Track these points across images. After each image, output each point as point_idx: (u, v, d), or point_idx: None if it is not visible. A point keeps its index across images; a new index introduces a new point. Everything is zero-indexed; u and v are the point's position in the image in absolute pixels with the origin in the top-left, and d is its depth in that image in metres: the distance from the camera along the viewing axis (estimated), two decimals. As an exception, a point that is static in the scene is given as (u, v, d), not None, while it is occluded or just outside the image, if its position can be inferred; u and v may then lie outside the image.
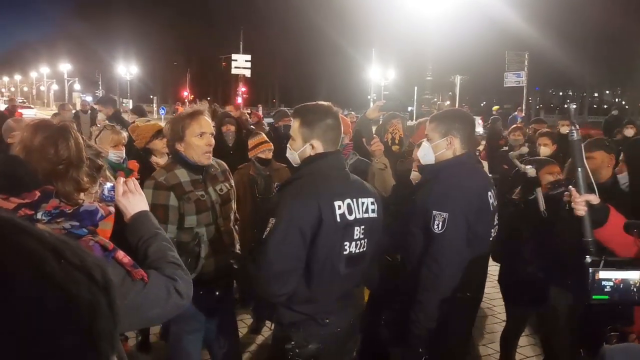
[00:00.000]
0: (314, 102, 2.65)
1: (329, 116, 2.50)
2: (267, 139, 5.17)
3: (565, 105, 25.62)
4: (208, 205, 3.14)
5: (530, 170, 3.71)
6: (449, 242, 2.66)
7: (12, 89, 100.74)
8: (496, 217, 2.94)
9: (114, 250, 1.61)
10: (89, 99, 53.64)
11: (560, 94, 72.01)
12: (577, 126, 2.30)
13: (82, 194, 1.69)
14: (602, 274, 1.97)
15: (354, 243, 2.43)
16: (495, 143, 8.90)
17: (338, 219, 2.34)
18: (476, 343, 4.79)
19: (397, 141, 4.96)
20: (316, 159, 2.46)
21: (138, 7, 59.09)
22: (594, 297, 1.98)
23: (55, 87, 72.01)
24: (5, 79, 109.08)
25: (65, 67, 62.20)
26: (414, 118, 14.05)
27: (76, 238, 1.57)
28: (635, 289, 1.97)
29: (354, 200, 2.45)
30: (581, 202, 2.24)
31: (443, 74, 37.80)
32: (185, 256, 2.95)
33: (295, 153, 2.52)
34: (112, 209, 1.79)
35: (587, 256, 2.09)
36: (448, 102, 49.16)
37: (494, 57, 37.37)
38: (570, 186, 2.34)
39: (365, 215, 2.48)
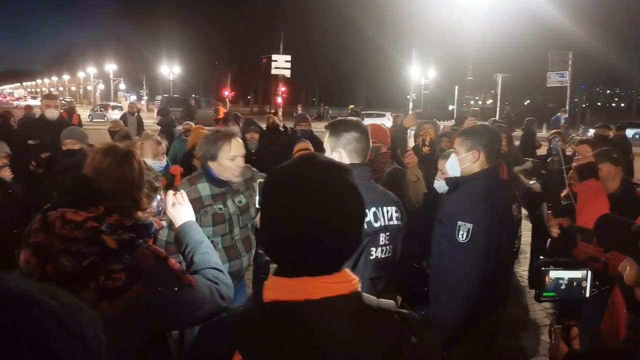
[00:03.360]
0: (346, 117, 2.87)
1: (355, 129, 2.67)
2: (309, 146, 5.32)
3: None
4: (225, 217, 3.40)
5: (534, 185, 3.77)
6: (473, 252, 2.78)
7: (61, 89, 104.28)
8: (520, 229, 3.05)
9: (166, 258, 1.83)
10: (133, 97, 55.11)
11: (608, 92, 69.99)
12: (561, 154, 2.48)
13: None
14: (552, 274, 2.15)
15: (379, 249, 2.62)
16: (530, 146, 8.82)
17: (365, 226, 2.52)
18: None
19: (427, 143, 5.16)
20: None
21: (181, 8, 60.26)
22: (544, 294, 2.17)
23: (101, 86, 74.17)
24: (54, 78, 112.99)
25: (111, 67, 63.99)
26: (454, 117, 14.04)
27: (133, 247, 1.80)
28: (580, 287, 2.15)
29: (379, 208, 2.64)
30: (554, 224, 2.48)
31: (485, 72, 37.29)
32: None
33: None
34: (164, 223, 2.02)
35: (541, 257, 2.27)
36: (490, 101, 48.44)
37: (537, 55, 36.72)
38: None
39: (390, 223, 2.66)
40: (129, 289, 1.71)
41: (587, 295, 2.12)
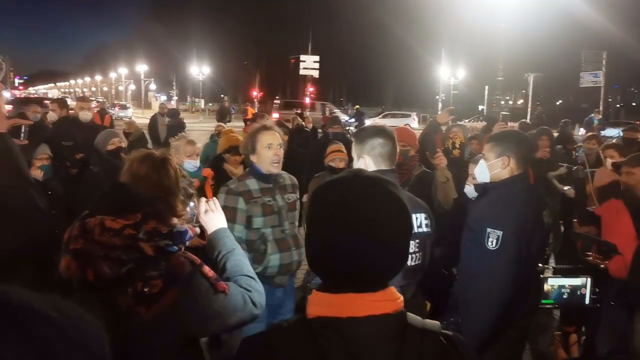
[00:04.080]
0: (372, 124, 2.93)
1: (379, 135, 2.68)
2: (342, 148, 5.32)
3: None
4: (274, 209, 3.55)
5: (569, 191, 3.72)
6: (502, 259, 2.76)
7: (93, 89, 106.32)
8: (550, 236, 3.01)
9: (200, 265, 1.87)
10: (163, 98, 55.79)
11: (643, 92, 68.28)
12: (586, 162, 2.44)
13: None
14: (551, 281, 2.12)
15: (409, 256, 2.60)
16: (565, 150, 8.66)
17: None
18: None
19: (457, 145, 5.13)
20: None
21: (211, 9, 60.86)
22: (542, 301, 2.14)
23: (132, 87, 75.35)
24: (87, 79, 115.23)
25: (142, 67, 64.85)
26: (484, 118, 13.89)
27: (169, 254, 1.84)
28: (580, 293, 2.11)
29: None
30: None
31: (515, 72, 36.74)
32: (253, 253, 3.41)
33: (355, 167, 2.75)
34: (198, 230, 2.06)
35: (539, 265, 2.24)
36: (521, 101, 47.71)
37: (570, 54, 36.02)
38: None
39: (420, 230, 2.65)
40: (165, 295, 1.75)
41: (587, 302, 2.09)
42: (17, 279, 1.40)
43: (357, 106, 26.18)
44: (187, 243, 2.03)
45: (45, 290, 1.74)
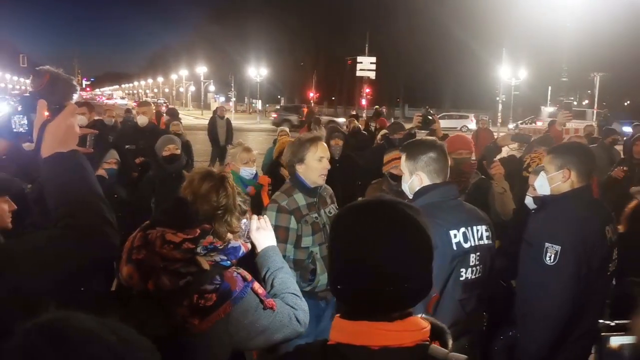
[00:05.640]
0: (420, 138, 2.89)
1: (431, 150, 2.66)
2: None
3: None
4: (320, 226, 3.51)
5: None
6: (561, 275, 2.68)
7: (155, 90, 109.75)
8: (615, 252, 2.89)
9: (252, 282, 1.94)
10: (221, 99, 56.92)
11: None
12: None
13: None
14: (614, 341, 1.82)
15: (470, 269, 2.57)
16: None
17: (454, 247, 2.49)
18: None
19: (530, 169, 4.84)
20: (428, 190, 2.63)
21: (269, 11, 61.64)
22: None
23: (192, 88, 77.29)
24: (150, 80, 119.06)
25: (201, 69, 66.44)
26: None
27: (223, 269, 1.92)
28: None
29: (469, 228, 2.59)
30: None
31: (580, 72, 35.36)
32: (301, 271, 3.37)
33: (406, 185, 2.73)
34: (249, 246, 2.12)
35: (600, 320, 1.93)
36: (586, 102, 45.91)
37: (638, 53, 34.41)
38: None
39: (480, 242, 2.61)
40: (218, 308, 1.81)
41: None
42: (87, 289, 1.49)
43: (377, 106, 24.48)
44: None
45: (109, 299, 1.84)
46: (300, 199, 3.50)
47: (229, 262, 1.95)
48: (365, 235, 1.16)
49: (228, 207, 2.00)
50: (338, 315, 1.20)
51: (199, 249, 1.87)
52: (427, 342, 1.15)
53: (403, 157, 2.74)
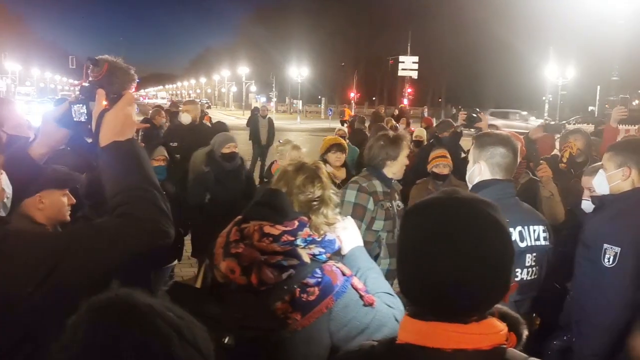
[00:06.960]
0: (497, 132, 2.83)
1: (502, 144, 2.60)
2: (446, 154, 5.18)
3: None
4: (391, 214, 3.66)
5: None
6: (620, 278, 2.56)
7: (198, 91, 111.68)
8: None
9: (351, 276, 1.86)
10: (263, 99, 57.48)
11: None
12: None
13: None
14: None
15: (525, 270, 2.51)
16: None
17: None
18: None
19: (564, 160, 4.67)
20: (488, 184, 2.57)
21: (310, 12, 61.88)
22: None
23: (234, 89, 78.20)
24: (192, 81, 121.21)
25: (243, 70, 67.14)
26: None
27: (320, 263, 1.85)
28: None
29: (525, 227, 2.53)
30: None
31: (633, 71, 34.12)
32: None
33: (469, 172, 2.68)
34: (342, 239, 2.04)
35: None
36: (637, 102, 44.39)
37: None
38: None
39: (537, 243, 2.55)
40: (320, 303, 1.75)
41: None
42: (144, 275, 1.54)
43: (402, 104, 23.83)
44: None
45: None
46: (378, 185, 3.68)
47: (324, 255, 1.87)
48: (439, 238, 1.10)
49: (324, 199, 1.94)
50: (407, 314, 1.16)
51: (298, 241, 1.81)
52: (504, 345, 1.10)
53: (473, 145, 2.72)
